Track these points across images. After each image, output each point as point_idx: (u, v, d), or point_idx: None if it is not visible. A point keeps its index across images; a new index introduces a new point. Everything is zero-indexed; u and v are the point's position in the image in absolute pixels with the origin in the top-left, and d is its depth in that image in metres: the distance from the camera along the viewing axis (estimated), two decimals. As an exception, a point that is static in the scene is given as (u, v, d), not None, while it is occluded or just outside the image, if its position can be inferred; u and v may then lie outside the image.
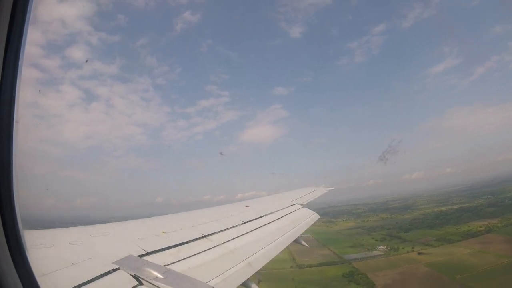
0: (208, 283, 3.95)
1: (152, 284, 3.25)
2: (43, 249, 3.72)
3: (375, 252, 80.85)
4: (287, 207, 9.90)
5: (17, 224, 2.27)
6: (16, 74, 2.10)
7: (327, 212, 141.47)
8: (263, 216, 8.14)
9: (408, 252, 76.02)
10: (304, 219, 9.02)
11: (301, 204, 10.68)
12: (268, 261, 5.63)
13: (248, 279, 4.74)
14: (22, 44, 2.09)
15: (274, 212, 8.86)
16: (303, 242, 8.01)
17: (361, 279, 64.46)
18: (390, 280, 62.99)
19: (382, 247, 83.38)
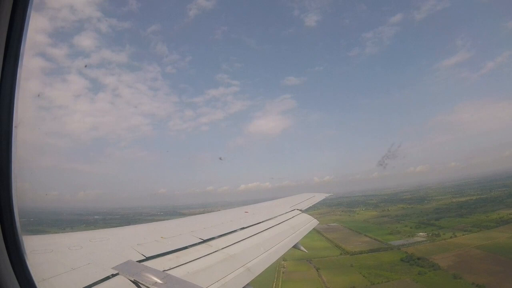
0: (207, 288, 3.94)
1: None
2: (42, 254, 3.71)
3: (416, 239, 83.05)
4: (286, 212, 9.88)
5: (16, 229, 2.27)
6: (16, 77, 2.11)
7: (341, 203, 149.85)
8: (262, 221, 8.13)
9: (451, 237, 78.62)
10: (303, 225, 8.99)
11: (300, 210, 10.66)
12: (267, 267, 5.60)
13: (248, 284, 4.71)
14: (22, 45, 2.11)
15: (274, 217, 8.85)
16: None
17: (422, 262, 65.62)
18: (451, 262, 64.32)
19: (422, 233, 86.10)
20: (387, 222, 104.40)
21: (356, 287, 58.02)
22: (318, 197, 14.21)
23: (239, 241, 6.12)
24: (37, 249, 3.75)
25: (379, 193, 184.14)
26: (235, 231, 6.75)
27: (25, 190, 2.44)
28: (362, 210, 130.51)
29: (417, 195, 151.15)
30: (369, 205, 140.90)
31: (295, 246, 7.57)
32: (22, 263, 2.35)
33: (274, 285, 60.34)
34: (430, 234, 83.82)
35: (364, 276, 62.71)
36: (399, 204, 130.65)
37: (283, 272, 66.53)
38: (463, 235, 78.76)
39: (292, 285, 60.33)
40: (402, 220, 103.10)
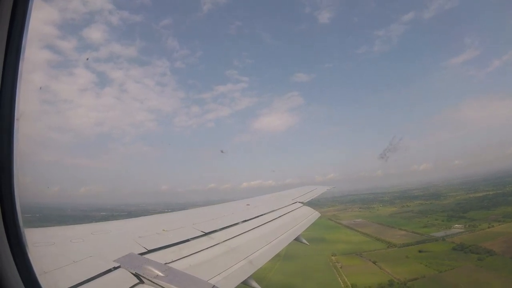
0: (209, 281, 3.95)
1: (153, 282, 3.25)
2: (44, 247, 3.72)
3: (454, 230, 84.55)
4: (288, 205, 9.90)
5: (18, 221, 2.27)
6: (17, 71, 2.09)
7: (353, 200, 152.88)
8: (264, 214, 8.14)
9: (489, 227, 79.88)
10: (305, 217, 9.01)
11: (302, 203, 10.67)
12: (269, 259, 5.61)
13: (250, 276, 4.72)
14: (23, 42, 2.08)
15: (275, 210, 8.86)
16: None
17: (476, 249, 66.80)
18: (503, 248, 65.39)
19: (458, 225, 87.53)
20: (414, 216, 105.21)
21: (426, 276, 58.82)
22: (320, 189, 14.20)
23: (241, 234, 6.13)
24: (39, 242, 3.75)
25: (386, 190, 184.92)
26: (237, 223, 6.76)
27: (27, 184, 2.43)
28: (380, 206, 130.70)
29: (428, 192, 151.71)
30: (383, 202, 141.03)
31: (296, 239, 7.59)
32: (23, 256, 2.35)
33: (340, 281, 60.67)
34: (467, 225, 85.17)
35: (426, 265, 63.45)
36: (415, 201, 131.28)
37: (340, 267, 66.83)
38: (499, 224, 79.93)
39: (359, 278, 60.36)
40: (428, 214, 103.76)
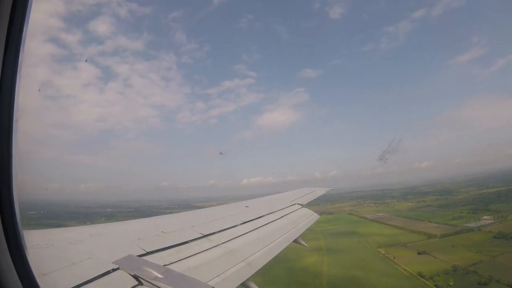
0: (208, 283, 3.95)
1: (152, 284, 3.25)
2: (43, 249, 3.71)
3: (484, 221, 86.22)
4: (287, 207, 9.90)
5: (16, 224, 2.27)
6: (16, 71, 2.08)
7: (361, 196, 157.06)
8: (263, 216, 8.14)
9: None
10: (304, 219, 9.02)
11: (300, 204, 10.67)
12: (267, 261, 5.61)
13: (248, 279, 4.73)
14: (22, 42, 2.08)
15: (274, 212, 8.86)
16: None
17: None
18: None
19: (487, 216, 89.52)
20: (436, 210, 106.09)
21: (483, 261, 60.48)
22: (319, 191, 14.20)
23: (240, 236, 6.13)
24: (38, 244, 3.75)
25: (392, 187, 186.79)
26: (235, 225, 6.76)
27: (26, 183, 2.43)
28: (395, 201, 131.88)
29: (437, 188, 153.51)
30: (394, 197, 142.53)
31: (295, 241, 7.59)
32: (22, 258, 2.35)
33: (401, 270, 61.39)
34: (496, 217, 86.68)
35: (476, 252, 65.07)
36: (428, 196, 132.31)
37: (393, 258, 67.72)
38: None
39: (418, 267, 61.05)
40: (450, 208, 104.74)
